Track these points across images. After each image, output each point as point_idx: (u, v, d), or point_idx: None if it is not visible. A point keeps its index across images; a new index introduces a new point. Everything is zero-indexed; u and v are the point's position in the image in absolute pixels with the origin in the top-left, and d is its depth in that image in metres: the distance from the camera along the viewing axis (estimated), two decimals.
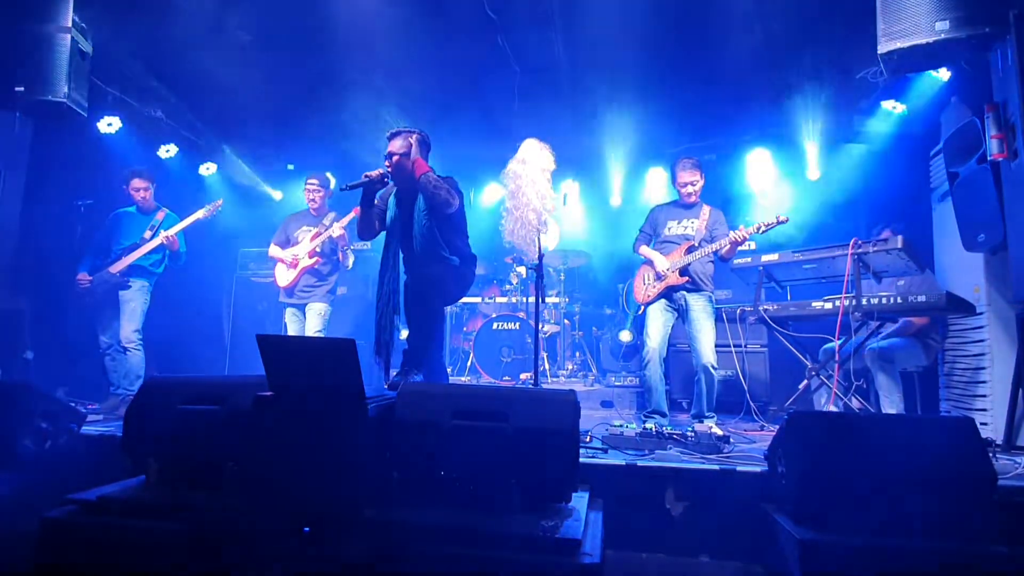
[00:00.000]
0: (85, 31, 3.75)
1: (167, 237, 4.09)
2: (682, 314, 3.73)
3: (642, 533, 2.39)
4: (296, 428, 1.97)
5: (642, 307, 3.90)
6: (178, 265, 4.30)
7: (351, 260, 4.55)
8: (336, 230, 4.36)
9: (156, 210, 4.30)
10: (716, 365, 3.60)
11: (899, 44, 2.92)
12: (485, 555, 1.74)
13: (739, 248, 3.64)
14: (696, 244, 3.72)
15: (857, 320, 3.44)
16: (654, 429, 2.89)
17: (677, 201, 3.98)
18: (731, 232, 3.59)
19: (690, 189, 3.83)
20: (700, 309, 3.64)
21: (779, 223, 3.54)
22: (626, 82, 5.01)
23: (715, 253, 3.69)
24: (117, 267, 4.06)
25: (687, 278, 3.68)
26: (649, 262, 3.88)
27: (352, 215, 4.36)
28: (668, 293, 3.76)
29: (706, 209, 3.84)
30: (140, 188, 4.23)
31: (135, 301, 4.09)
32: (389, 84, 5.20)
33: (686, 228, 3.83)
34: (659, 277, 3.78)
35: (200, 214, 4.32)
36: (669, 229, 3.89)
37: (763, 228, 3.55)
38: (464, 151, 5.64)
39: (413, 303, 3.17)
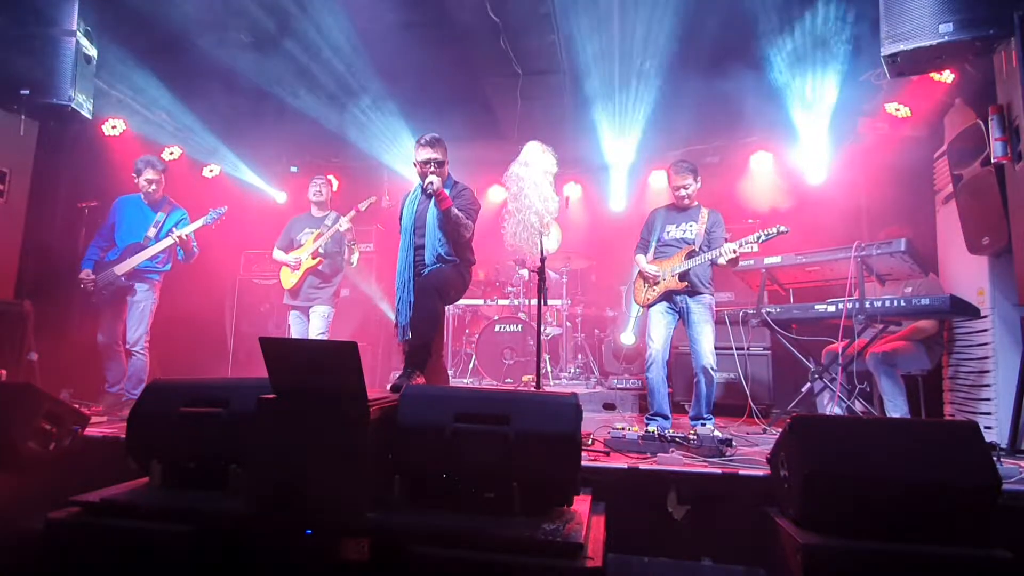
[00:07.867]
0: (90, 35, 3.77)
1: (181, 238, 4.08)
2: (683, 316, 3.73)
3: (644, 537, 2.38)
4: (298, 430, 1.97)
5: (643, 309, 3.89)
6: (189, 261, 4.30)
7: (356, 256, 4.50)
8: (344, 223, 4.33)
9: (162, 203, 4.27)
10: (715, 367, 3.59)
11: (903, 46, 2.92)
12: (487, 558, 1.73)
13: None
14: (696, 249, 3.69)
15: (860, 323, 3.43)
16: (656, 432, 2.89)
17: (674, 204, 3.94)
18: (728, 244, 3.53)
19: (683, 193, 3.79)
20: (700, 312, 3.64)
21: (778, 233, 3.48)
22: (628, 85, 5.02)
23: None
24: (122, 269, 4.05)
25: (686, 284, 3.65)
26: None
27: (355, 211, 4.38)
28: (668, 296, 3.75)
29: (704, 212, 3.81)
30: (152, 177, 4.21)
31: (144, 302, 4.09)
32: (392, 86, 5.22)
33: (685, 232, 3.80)
34: (656, 282, 3.77)
35: (205, 221, 4.30)
36: (668, 233, 3.87)
37: (762, 238, 3.49)
38: (466, 153, 5.65)
39: (417, 302, 3.27)
